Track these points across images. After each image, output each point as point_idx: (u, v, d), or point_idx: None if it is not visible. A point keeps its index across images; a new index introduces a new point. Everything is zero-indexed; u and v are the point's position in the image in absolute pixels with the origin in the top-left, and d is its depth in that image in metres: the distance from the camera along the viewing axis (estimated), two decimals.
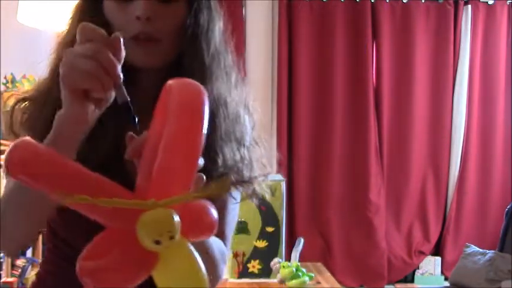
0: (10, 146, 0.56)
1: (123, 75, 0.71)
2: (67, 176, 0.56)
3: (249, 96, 0.99)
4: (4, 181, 2.44)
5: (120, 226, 0.58)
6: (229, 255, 1.22)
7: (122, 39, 0.72)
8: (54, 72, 0.89)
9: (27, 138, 0.57)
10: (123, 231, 0.57)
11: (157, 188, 0.59)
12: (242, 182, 0.92)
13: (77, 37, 0.71)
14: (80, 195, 0.54)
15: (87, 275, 0.56)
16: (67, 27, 0.92)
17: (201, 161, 0.68)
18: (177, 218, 0.56)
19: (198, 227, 0.62)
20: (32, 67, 0.96)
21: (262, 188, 0.95)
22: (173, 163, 0.60)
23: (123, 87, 0.71)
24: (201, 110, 0.62)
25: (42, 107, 0.87)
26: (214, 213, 0.62)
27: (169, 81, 0.64)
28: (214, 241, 0.91)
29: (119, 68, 0.70)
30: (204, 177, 0.70)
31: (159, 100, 0.66)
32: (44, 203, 0.75)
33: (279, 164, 1.04)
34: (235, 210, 1.01)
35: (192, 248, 0.60)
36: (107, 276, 0.56)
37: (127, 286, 0.58)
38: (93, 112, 0.73)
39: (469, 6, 4.35)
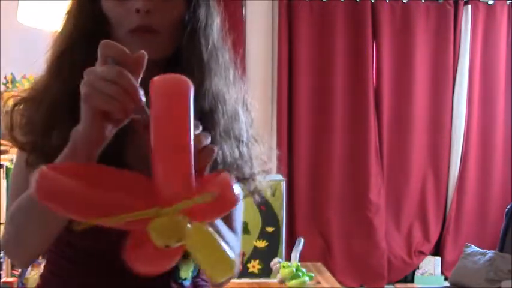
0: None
1: None
2: (81, 202, 0.63)
3: (246, 93, 0.99)
4: (4, 182, 2.43)
5: (136, 230, 0.66)
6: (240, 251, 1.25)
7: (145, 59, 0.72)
8: (51, 69, 0.89)
9: (45, 168, 0.63)
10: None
11: (158, 178, 0.65)
12: (243, 179, 0.92)
13: (99, 54, 0.70)
14: (93, 218, 0.63)
15: (133, 262, 0.67)
16: (63, 22, 0.92)
17: (204, 138, 0.72)
18: (181, 224, 0.64)
19: (221, 202, 0.67)
20: (32, 67, 0.95)
21: (262, 185, 0.96)
22: (165, 143, 0.65)
23: (146, 108, 0.70)
24: (186, 90, 0.66)
25: (39, 104, 0.87)
26: (236, 188, 0.68)
27: (154, 78, 0.67)
28: (227, 232, 0.92)
29: (141, 92, 0.69)
30: (216, 149, 0.72)
31: (149, 95, 0.68)
32: (58, 217, 0.75)
33: (279, 163, 1.05)
34: (241, 207, 1.03)
35: (211, 231, 0.66)
36: (147, 263, 0.68)
37: (166, 267, 0.70)
38: (110, 131, 0.73)
39: (469, 6, 4.34)
